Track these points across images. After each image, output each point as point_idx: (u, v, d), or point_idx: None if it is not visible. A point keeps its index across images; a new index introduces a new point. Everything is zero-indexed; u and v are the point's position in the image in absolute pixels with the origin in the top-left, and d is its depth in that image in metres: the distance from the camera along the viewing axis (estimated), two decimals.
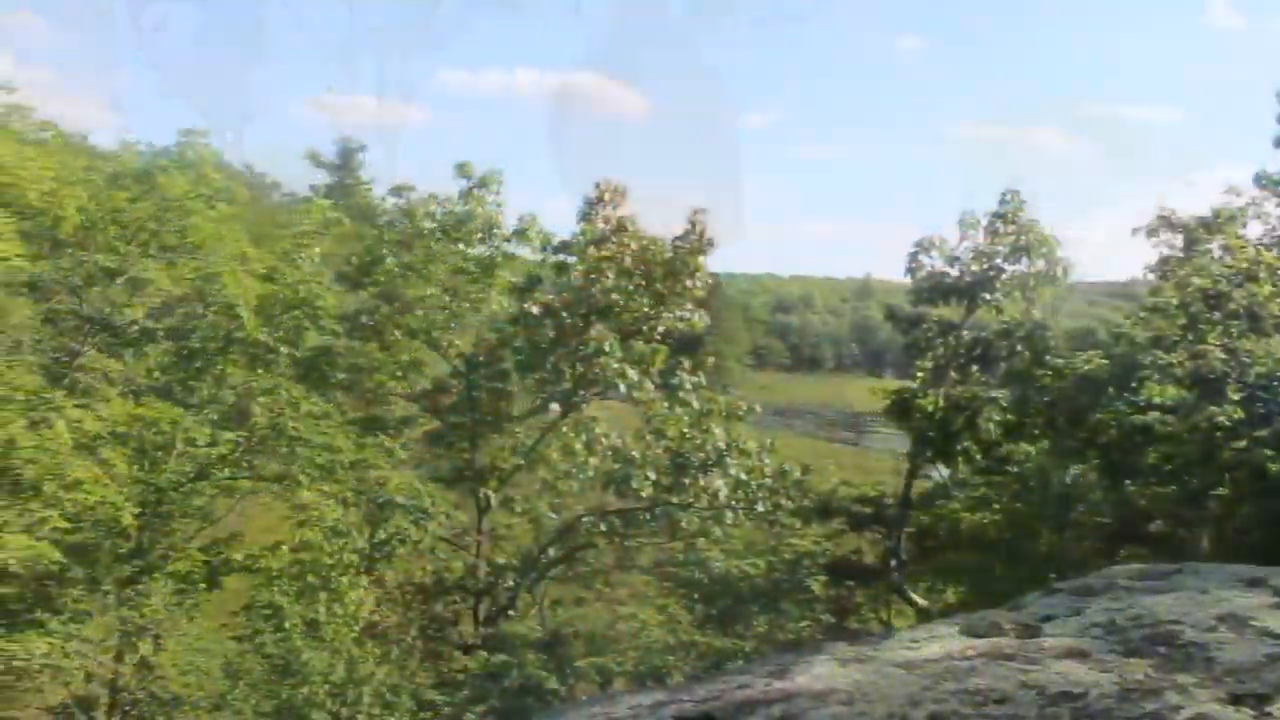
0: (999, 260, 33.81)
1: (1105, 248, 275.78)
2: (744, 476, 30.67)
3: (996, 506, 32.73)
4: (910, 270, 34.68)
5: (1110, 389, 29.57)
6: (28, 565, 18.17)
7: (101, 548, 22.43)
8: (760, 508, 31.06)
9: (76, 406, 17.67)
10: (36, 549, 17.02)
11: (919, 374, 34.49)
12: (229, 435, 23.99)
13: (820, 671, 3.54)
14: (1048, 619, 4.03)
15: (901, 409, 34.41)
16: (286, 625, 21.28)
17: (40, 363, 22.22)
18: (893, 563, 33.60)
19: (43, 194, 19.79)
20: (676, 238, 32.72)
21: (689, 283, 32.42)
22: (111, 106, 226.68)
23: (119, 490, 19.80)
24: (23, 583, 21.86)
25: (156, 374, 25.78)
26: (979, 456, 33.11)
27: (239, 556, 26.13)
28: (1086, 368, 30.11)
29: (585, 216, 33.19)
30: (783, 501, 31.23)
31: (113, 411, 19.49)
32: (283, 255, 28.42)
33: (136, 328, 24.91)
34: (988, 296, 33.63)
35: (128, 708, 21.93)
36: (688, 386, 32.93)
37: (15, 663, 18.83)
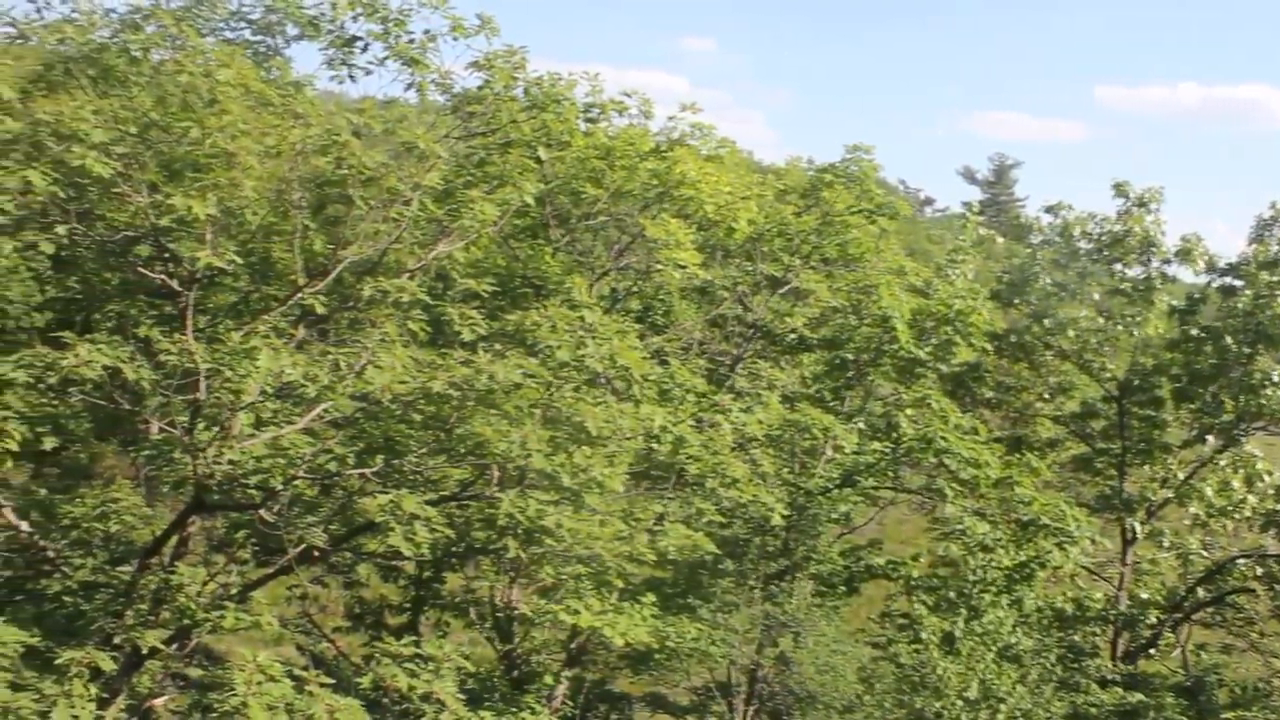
0: None
1: None
2: None
3: None
4: None
5: None
6: (685, 554, 19.28)
7: (751, 544, 23.58)
8: None
9: (742, 411, 18.60)
10: (694, 539, 17.98)
11: None
12: (876, 444, 24.47)
13: None
14: None
15: None
16: (923, 636, 21.32)
17: (707, 365, 23.70)
18: None
19: (718, 207, 21.04)
20: None
21: None
22: (772, 123, 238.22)
23: (770, 490, 20.65)
24: (679, 570, 23.45)
25: (810, 381, 26.78)
26: None
27: (879, 563, 26.64)
28: None
29: (1257, 238, 31.35)
30: None
31: (769, 415, 20.34)
32: (936, 270, 28.67)
33: (794, 335, 25.98)
34: None
35: (765, 698, 22.89)
36: None
37: (668, 644, 20.07)
